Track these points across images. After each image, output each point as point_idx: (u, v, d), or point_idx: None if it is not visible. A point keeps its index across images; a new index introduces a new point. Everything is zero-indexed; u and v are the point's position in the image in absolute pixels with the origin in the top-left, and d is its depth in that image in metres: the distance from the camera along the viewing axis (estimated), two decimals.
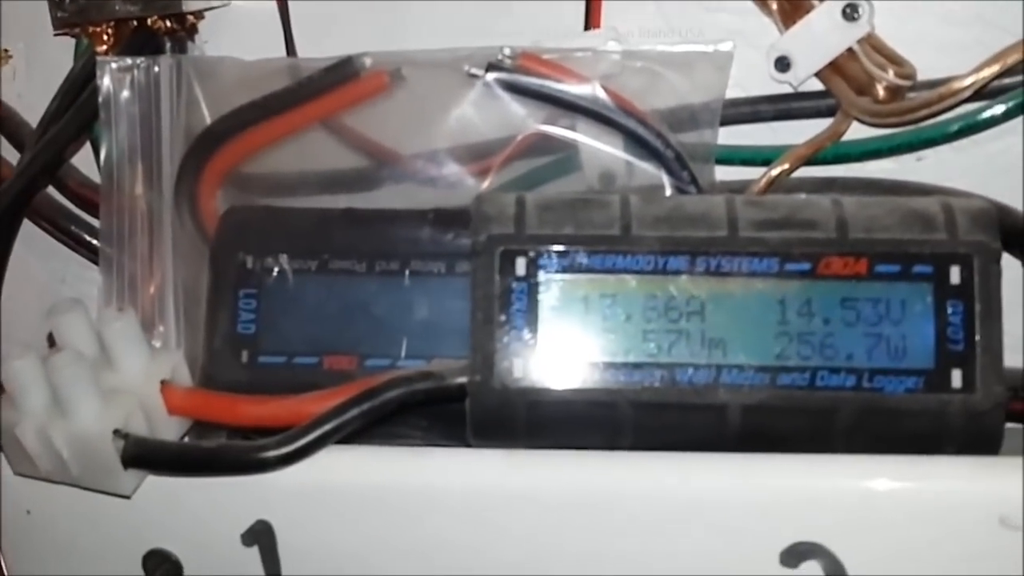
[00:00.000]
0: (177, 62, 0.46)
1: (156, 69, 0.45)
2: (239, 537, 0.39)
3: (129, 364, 0.39)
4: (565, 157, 0.44)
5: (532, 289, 0.37)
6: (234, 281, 0.42)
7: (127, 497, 0.39)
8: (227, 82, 0.45)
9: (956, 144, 0.44)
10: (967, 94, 0.41)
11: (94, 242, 0.50)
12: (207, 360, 0.42)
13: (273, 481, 0.38)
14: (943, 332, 0.36)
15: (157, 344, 0.45)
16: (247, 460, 0.37)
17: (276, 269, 0.42)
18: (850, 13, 0.42)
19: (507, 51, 0.42)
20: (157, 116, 0.46)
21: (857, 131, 0.44)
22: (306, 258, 0.42)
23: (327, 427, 0.37)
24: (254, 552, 0.39)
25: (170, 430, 0.40)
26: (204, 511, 0.39)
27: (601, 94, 0.42)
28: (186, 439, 0.41)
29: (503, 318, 0.37)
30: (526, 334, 0.37)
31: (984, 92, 0.41)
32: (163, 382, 0.40)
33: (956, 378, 0.35)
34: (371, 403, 0.37)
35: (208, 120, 0.45)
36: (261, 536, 0.39)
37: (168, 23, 0.48)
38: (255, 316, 0.42)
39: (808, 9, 0.43)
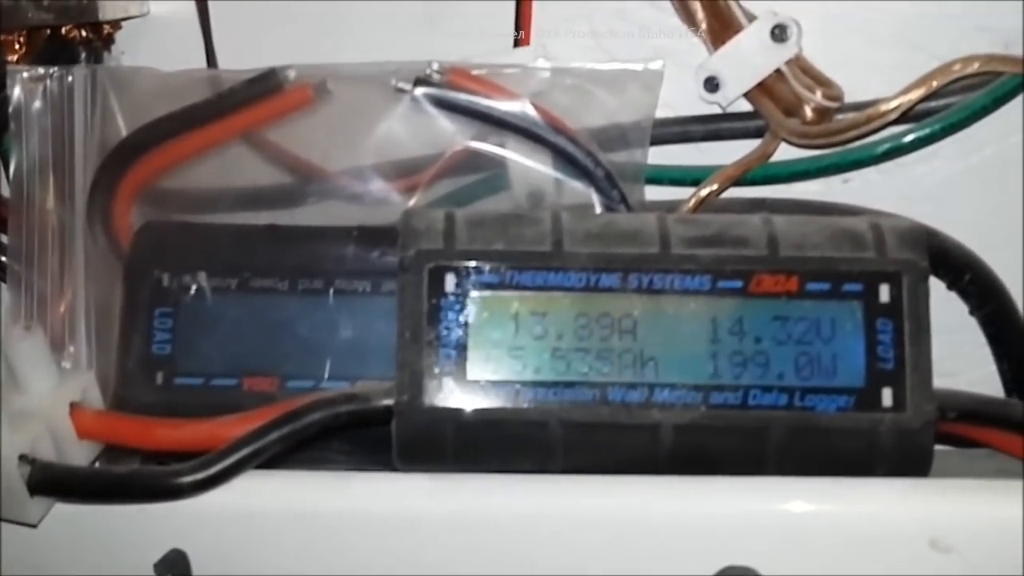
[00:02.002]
0: (92, 72, 0.45)
1: (70, 79, 0.44)
2: (152, 567, 0.37)
3: (36, 386, 0.38)
4: (494, 175, 0.44)
5: (461, 306, 0.36)
6: (149, 299, 0.41)
7: (33, 526, 0.37)
8: (144, 93, 0.44)
9: (882, 166, 0.44)
10: (893, 116, 0.42)
11: (1, 259, 0.48)
12: (120, 382, 0.41)
13: (188, 508, 0.36)
14: (873, 350, 0.36)
15: (67, 365, 0.44)
16: (161, 486, 0.36)
17: (194, 287, 0.41)
18: (779, 34, 0.42)
19: (435, 66, 0.42)
20: (70, 128, 0.44)
21: (785, 152, 0.44)
22: (225, 276, 0.41)
23: (246, 451, 0.36)
24: None
25: (80, 455, 0.38)
26: (115, 540, 0.38)
27: (531, 111, 0.42)
28: (97, 464, 0.39)
29: (431, 336, 0.36)
30: (455, 352, 0.36)
31: (910, 115, 0.42)
32: (73, 405, 0.38)
33: (886, 396, 0.35)
34: (292, 426, 0.36)
35: (124, 132, 0.44)
36: (175, 565, 0.37)
37: (83, 32, 0.46)
38: (171, 336, 0.41)
39: (737, 30, 0.43)
